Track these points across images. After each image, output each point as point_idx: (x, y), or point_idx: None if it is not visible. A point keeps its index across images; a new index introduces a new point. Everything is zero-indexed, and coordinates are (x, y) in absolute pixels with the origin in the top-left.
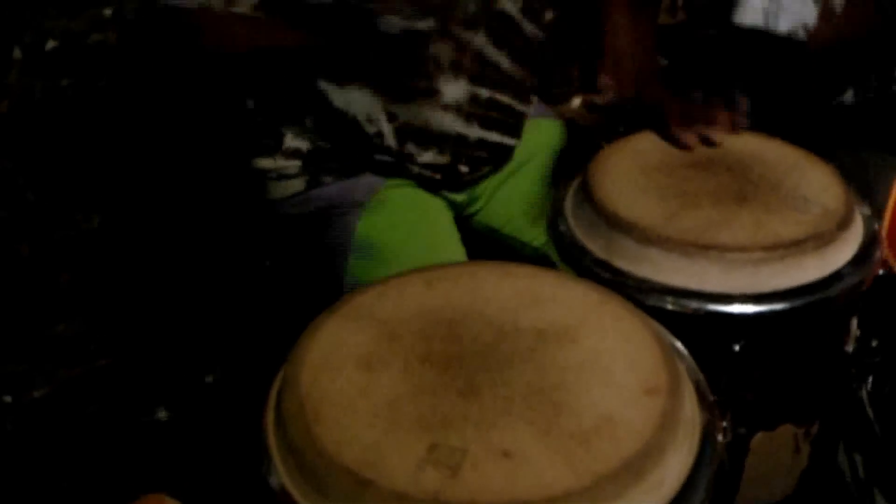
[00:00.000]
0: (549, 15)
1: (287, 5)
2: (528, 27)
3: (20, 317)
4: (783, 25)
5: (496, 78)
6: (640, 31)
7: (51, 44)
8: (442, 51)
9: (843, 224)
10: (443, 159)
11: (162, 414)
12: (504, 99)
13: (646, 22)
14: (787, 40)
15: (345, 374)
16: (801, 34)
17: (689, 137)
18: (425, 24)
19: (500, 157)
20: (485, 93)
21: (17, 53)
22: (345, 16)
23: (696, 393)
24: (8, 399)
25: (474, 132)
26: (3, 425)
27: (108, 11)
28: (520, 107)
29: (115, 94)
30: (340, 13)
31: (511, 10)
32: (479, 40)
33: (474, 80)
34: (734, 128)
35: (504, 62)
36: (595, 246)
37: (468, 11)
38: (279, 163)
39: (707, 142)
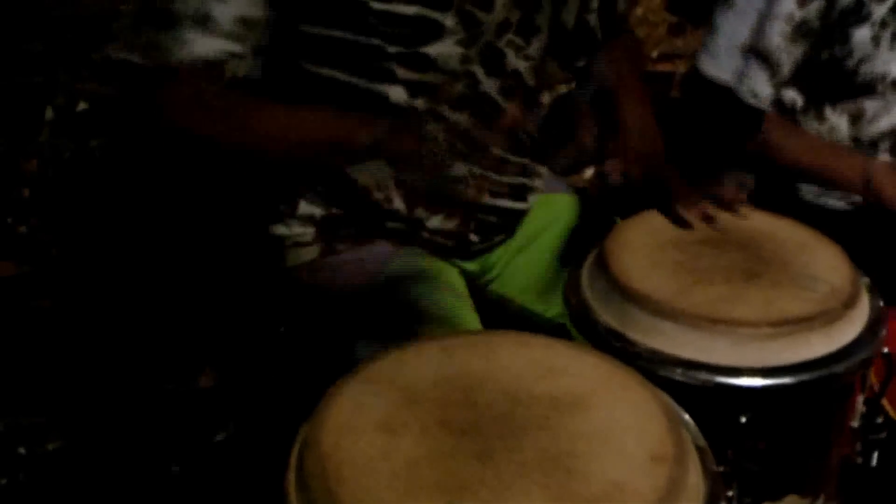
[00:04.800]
0: (545, 98)
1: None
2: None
3: (37, 370)
4: (743, 89)
5: (486, 157)
6: (646, 110)
7: (81, 105)
8: (436, 131)
9: (850, 303)
10: (451, 224)
11: (175, 468)
12: (502, 175)
13: (648, 101)
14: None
15: (366, 437)
16: (754, 101)
17: (691, 215)
18: (419, 103)
19: (509, 221)
20: (477, 171)
21: (48, 114)
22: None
23: (700, 462)
24: (22, 451)
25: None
26: (16, 477)
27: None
28: (522, 179)
29: (143, 156)
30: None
31: (491, 89)
32: (464, 121)
33: (466, 159)
34: (734, 207)
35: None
36: (609, 317)
37: (455, 93)
38: (294, 230)
39: (708, 220)
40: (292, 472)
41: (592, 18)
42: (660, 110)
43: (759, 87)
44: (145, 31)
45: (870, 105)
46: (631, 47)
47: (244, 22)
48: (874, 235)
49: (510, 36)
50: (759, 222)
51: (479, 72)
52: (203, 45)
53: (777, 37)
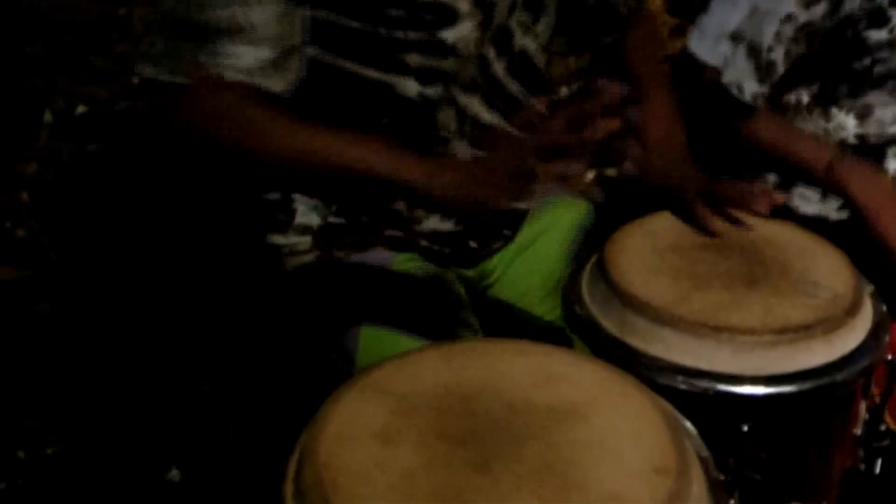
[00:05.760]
0: (563, 90)
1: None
2: (513, 87)
3: (36, 374)
4: (727, 76)
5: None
6: (674, 112)
7: (80, 109)
8: (447, 117)
9: (852, 310)
10: (448, 225)
11: (174, 474)
12: None
13: (676, 103)
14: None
15: (362, 447)
16: (735, 90)
17: (716, 222)
18: (433, 91)
19: (509, 221)
20: None
21: (47, 117)
22: (364, 81)
23: (703, 473)
24: (21, 455)
25: None
26: (14, 481)
27: (136, 79)
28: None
29: (141, 160)
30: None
31: (499, 72)
32: (476, 106)
33: (474, 145)
34: (767, 207)
35: (499, 125)
36: (609, 323)
37: (467, 76)
38: (291, 239)
39: (736, 223)
40: (290, 482)
41: None
42: None
43: (746, 82)
44: (180, 47)
45: (876, 99)
46: (651, 31)
47: (280, 24)
48: (874, 247)
49: (518, 13)
50: (760, 227)
51: (490, 53)
52: (240, 59)
53: (770, 36)
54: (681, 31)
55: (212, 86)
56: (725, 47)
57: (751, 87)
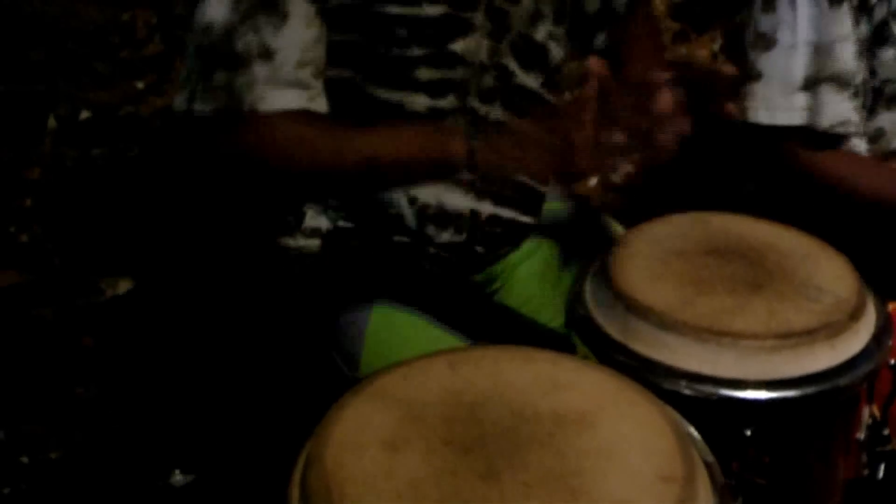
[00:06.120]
0: (566, 95)
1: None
2: (551, 98)
3: (40, 379)
4: (825, 121)
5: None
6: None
7: (84, 114)
8: (459, 125)
9: (856, 314)
10: (459, 238)
11: (177, 478)
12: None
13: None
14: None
15: (369, 455)
16: (842, 129)
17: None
18: (446, 103)
19: (515, 234)
20: None
21: (51, 123)
22: (374, 97)
23: (709, 479)
24: (24, 460)
25: (486, 208)
26: (18, 486)
27: (140, 84)
28: (535, 183)
29: (145, 165)
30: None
31: (532, 84)
32: (497, 113)
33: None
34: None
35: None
36: (612, 329)
37: (484, 85)
38: (299, 241)
39: None
40: (296, 489)
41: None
42: None
43: (847, 114)
44: (213, 78)
45: (888, 121)
46: (652, 35)
47: (310, 46)
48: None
49: (550, 27)
50: (763, 232)
51: (511, 64)
52: (275, 83)
53: (851, 60)
54: (684, 37)
55: (257, 118)
56: (801, 100)
57: (854, 117)
